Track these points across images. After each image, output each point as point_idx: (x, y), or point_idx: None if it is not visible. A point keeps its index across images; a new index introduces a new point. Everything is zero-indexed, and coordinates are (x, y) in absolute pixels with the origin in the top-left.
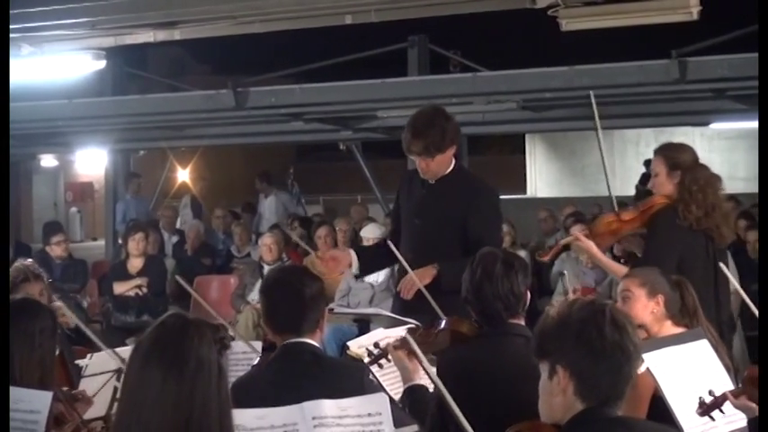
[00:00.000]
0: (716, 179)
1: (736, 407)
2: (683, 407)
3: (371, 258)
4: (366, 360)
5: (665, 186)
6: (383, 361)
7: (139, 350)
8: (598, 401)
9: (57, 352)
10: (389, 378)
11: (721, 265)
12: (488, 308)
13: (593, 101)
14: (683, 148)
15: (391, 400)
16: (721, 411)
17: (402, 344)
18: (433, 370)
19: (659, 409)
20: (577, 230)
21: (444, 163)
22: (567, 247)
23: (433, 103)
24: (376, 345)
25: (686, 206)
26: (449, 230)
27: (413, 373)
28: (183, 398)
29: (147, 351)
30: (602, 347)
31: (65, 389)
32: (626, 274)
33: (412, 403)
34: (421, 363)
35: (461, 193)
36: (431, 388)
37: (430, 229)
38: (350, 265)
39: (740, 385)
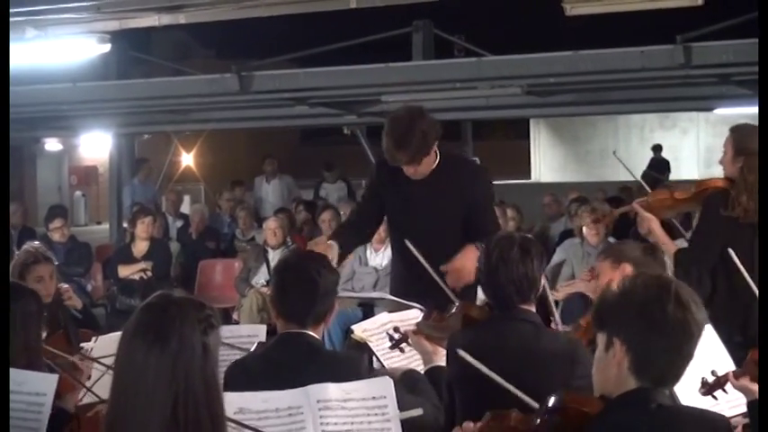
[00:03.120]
0: None
1: (737, 388)
2: (683, 389)
3: (349, 243)
4: (387, 345)
5: (728, 168)
6: (404, 345)
7: (125, 332)
8: (652, 381)
9: (44, 334)
10: (411, 363)
11: (730, 251)
12: (501, 291)
13: None
14: (754, 133)
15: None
16: (724, 391)
17: (419, 329)
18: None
19: None
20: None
21: (431, 160)
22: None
23: (406, 106)
24: (396, 329)
25: (738, 194)
26: (453, 219)
27: (433, 355)
28: (163, 376)
29: (131, 332)
30: (664, 325)
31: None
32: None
33: (433, 385)
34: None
35: (457, 180)
36: None
37: (436, 222)
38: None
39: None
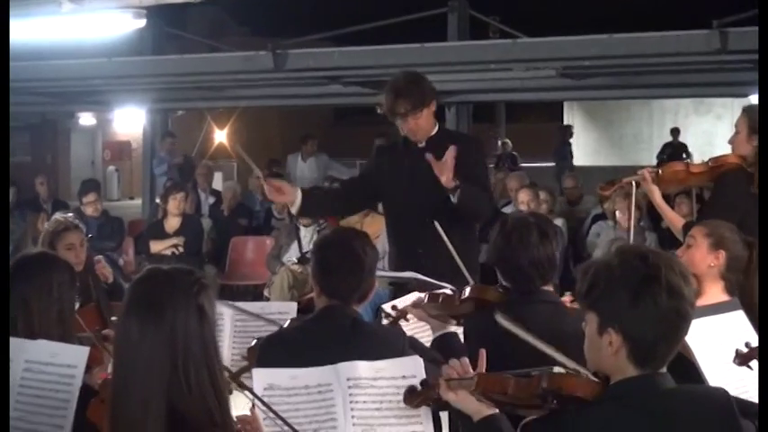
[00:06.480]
0: None
1: None
2: (716, 377)
3: (316, 202)
4: (384, 322)
5: (742, 146)
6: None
7: (120, 311)
8: (652, 367)
9: (77, 305)
10: (418, 330)
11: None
12: (521, 275)
13: None
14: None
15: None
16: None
17: (415, 305)
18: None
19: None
20: (646, 171)
21: (431, 120)
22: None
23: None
24: (393, 307)
25: (756, 172)
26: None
27: (440, 326)
28: (163, 343)
29: (124, 309)
30: (658, 316)
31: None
32: (700, 223)
33: (441, 352)
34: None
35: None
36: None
37: (436, 191)
38: (291, 203)
39: None
